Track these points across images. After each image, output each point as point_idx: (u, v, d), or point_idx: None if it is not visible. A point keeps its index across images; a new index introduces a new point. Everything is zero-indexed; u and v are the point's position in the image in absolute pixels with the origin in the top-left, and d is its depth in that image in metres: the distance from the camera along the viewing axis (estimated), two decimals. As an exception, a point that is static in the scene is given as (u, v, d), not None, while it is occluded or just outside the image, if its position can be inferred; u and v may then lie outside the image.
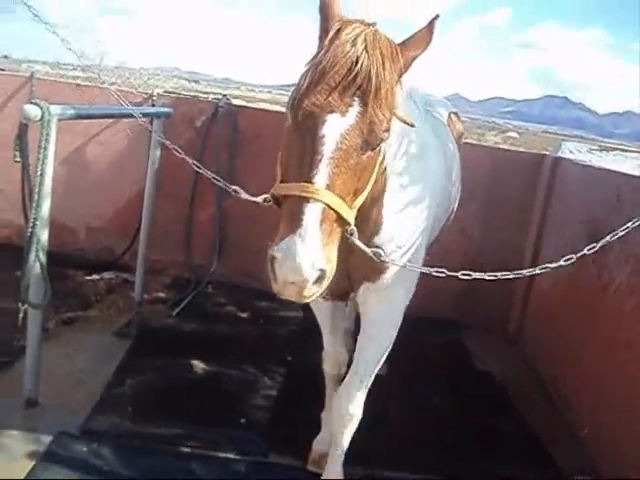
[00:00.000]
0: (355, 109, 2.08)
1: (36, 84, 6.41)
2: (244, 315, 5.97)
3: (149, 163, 5.32)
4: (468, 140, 6.19)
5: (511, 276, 2.77)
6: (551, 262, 5.49)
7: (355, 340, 3.42)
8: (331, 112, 2.07)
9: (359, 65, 2.06)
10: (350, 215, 2.16)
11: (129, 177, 6.39)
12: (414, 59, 2.27)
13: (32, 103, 3.29)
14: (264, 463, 3.72)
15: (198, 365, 4.76)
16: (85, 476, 3.31)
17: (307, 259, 1.95)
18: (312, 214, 2.00)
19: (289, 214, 2.04)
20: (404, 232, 2.96)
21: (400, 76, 2.22)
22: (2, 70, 8.66)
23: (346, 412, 3.25)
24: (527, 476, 4.01)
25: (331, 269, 2.06)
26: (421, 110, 3.42)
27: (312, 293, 2.05)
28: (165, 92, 7.08)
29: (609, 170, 5.30)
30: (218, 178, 3.09)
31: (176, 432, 3.84)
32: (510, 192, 6.32)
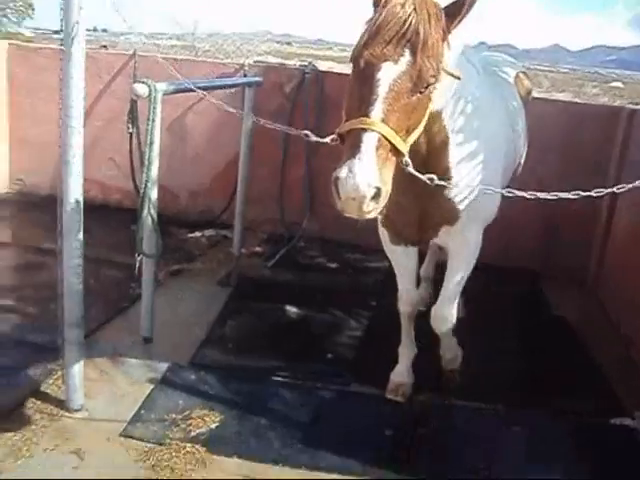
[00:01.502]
0: (406, 58, 2.45)
1: (138, 61, 7.00)
2: (333, 266, 6.45)
3: (242, 129, 5.78)
4: (552, 94, 6.32)
5: (593, 194, 2.90)
6: (627, 215, 5.68)
7: (435, 287, 3.94)
8: (385, 61, 2.45)
9: (408, 22, 2.44)
10: (403, 146, 2.52)
11: (225, 142, 6.89)
12: (457, 24, 2.62)
13: (141, 82, 3.82)
14: (347, 391, 4.20)
15: (291, 309, 5.30)
16: (195, 398, 3.90)
17: (365, 177, 2.32)
18: (369, 141, 2.37)
19: (350, 144, 2.42)
20: (469, 178, 3.34)
21: (446, 35, 2.59)
22: (105, 47, 9.36)
23: (442, 326, 3.95)
24: (591, 409, 4.27)
25: (386, 190, 2.43)
26: (479, 70, 3.74)
27: (370, 209, 2.42)
28: (255, 62, 7.55)
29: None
30: (289, 127, 3.51)
31: (271, 365, 4.39)
32: (587, 145, 6.39)
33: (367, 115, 2.41)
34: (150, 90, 3.81)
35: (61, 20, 3.11)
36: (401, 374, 4.19)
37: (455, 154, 3.23)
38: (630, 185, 2.93)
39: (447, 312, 3.89)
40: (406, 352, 4.21)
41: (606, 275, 6.33)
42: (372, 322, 5.23)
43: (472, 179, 3.36)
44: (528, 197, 2.95)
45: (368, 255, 6.48)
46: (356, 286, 5.98)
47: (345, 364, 4.55)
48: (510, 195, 3.00)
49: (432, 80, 2.54)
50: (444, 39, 2.58)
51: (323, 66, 7.38)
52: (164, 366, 4.21)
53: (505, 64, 4.69)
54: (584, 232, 6.60)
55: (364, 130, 2.39)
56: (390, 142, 2.44)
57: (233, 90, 6.28)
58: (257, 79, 5.95)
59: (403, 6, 2.48)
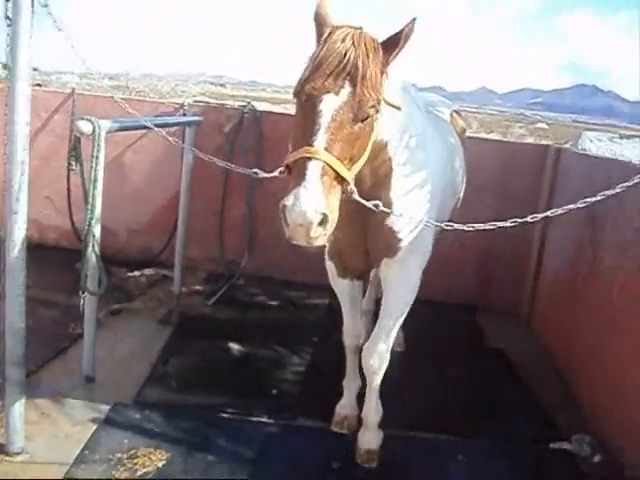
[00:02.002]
0: (346, 90, 2.59)
1: (77, 99, 6.96)
2: (274, 303, 6.49)
3: (183, 167, 5.80)
4: (481, 135, 6.58)
5: (521, 221, 3.06)
6: (557, 251, 5.92)
7: (375, 319, 3.94)
8: (327, 93, 2.58)
9: (347, 56, 2.58)
10: (347, 174, 2.63)
11: (164, 181, 6.90)
12: (394, 56, 2.77)
13: (84, 119, 3.83)
14: (293, 425, 4.22)
15: (233, 347, 5.30)
16: (140, 437, 3.85)
17: (310, 204, 2.41)
18: (314, 169, 2.48)
19: (296, 173, 2.53)
20: (411, 211, 3.43)
21: (384, 67, 2.73)
22: (39, 85, 9.27)
23: (373, 365, 3.80)
24: (529, 434, 4.42)
25: (333, 216, 2.53)
26: (421, 109, 3.90)
27: (318, 235, 2.50)
28: (195, 101, 7.59)
29: (604, 158, 5.70)
30: (236, 166, 3.65)
31: (215, 401, 4.38)
32: (518, 183, 6.69)
33: (311, 144, 2.52)
34: (94, 127, 3.82)
35: (7, 57, 3.14)
36: (346, 407, 4.24)
37: (398, 186, 3.34)
38: (560, 210, 3.16)
39: (380, 348, 3.77)
40: (351, 385, 4.26)
41: (538, 308, 6.58)
42: (315, 357, 5.27)
43: (414, 211, 3.47)
44: (467, 229, 3.11)
45: (308, 292, 6.56)
46: (298, 322, 6.02)
47: (290, 399, 4.57)
48: (449, 228, 3.15)
49: (372, 110, 2.67)
50: (382, 71, 2.73)
51: (258, 107, 7.48)
52: (107, 406, 4.15)
53: (440, 104, 4.89)
54: (517, 267, 6.87)
55: (309, 159, 2.50)
56: (334, 170, 2.54)
57: (172, 129, 6.31)
58: (197, 118, 5.99)
59: (343, 41, 2.62)
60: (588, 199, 3.07)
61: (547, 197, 6.49)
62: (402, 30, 2.74)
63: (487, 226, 3.09)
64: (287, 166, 2.66)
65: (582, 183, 5.57)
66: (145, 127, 4.24)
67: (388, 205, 3.30)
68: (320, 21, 2.82)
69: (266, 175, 3.06)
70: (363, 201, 2.83)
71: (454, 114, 5.03)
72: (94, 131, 3.83)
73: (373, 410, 4.00)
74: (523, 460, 4.11)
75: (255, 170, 3.18)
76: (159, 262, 6.92)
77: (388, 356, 3.83)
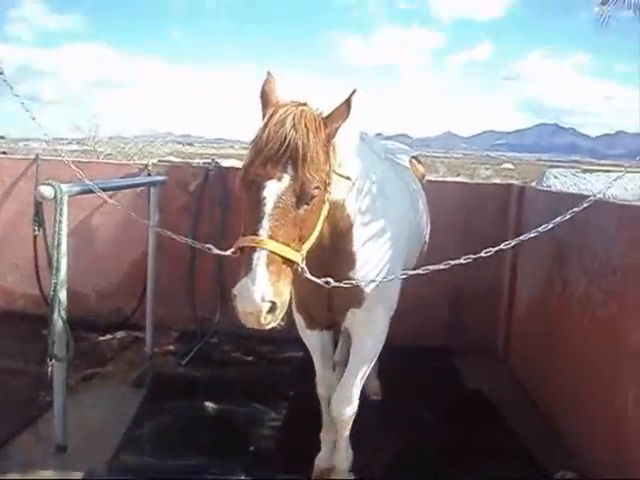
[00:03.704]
0: (287, 175, 2.64)
1: (41, 165, 6.95)
2: (248, 359, 6.41)
3: (149, 227, 5.79)
4: (447, 178, 6.67)
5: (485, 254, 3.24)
6: (527, 285, 6.01)
7: None
8: (269, 179, 2.64)
9: (287, 140, 2.63)
10: (296, 256, 2.69)
11: (131, 242, 6.85)
12: (337, 128, 2.83)
13: (46, 184, 3.83)
14: (273, 481, 4.15)
15: (209, 405, 5.20)
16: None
17: (258, 294, 2.50)
18: (259, 259, 2.56)
19: (244, 261, 2.61)
20: (375, 259, 3.47)
21: (328, 142, 2.79)
22: (4, 153, 9.27)
23: (343, 412, 3.81)
24: (512, 475, 4.41)
25: (282, 301, 2.61)
26: (381, 157, 3.96)
27: (268, 321, 2.60)
28: (159, 161, 7.63)
29: (567, 193, 5.81)
30: (193, 241, 3.60)
31: (192, 463, 4.29)
32: (484, 223, 6.73)
33: (256, 233, 2.59)
34: (55, 192, 3.82)
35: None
36: (325, 459, 4.17)
37: (360, 236, 3.36)
38: (513, 242, 3.37)
39: (349, 394, 3.79)
40: (328, 436, 4.20)
41: (513, 346, 6.59)
42: (292, 411, 5.21)
43: (377, 260, 3.49)
44: (422, 272, 3.27)
45: (282, 346, 6.51)
46: (273, 377, 5.94)
47: (268, 455, 4.50)
48: (408, 275, 3.23)
49: (316, 192, 2.72)
50: (326, 149, 2.78)
51: (226, 163, 7.52)
52: (80, 474, 4.03)
53: (399, 151, 4.97)
54: (490, 307, 6.89)
55: (254, 249, 2.57)
56: (281, 256, 2.61)
57: (139, 190, 6.33)
58: (161, 178, 6.03)
59: (283, 124, 2.68)
60: (536, 230, 3.34)
61: (513, 234, 6.54)
62: (345, 102, 2.82)
63: (442, 266, 3.22)
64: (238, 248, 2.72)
65: (547, 219, 5.61)
66: (109, 189, 4.24)
67: (351, 255, 3.32)
68: (265, 99, 2.90)
69: (219, 252, 3.12)
70: (314, 278, 2.92)
71: (413, 160, 5.11)
72: (56, 195, 3.83)
73: (343, 458, 4.03)
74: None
75: (208, 246, 3.22)
76: (131, 324, 6.83)
77: (356, 403, 3.83)
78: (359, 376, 3.79)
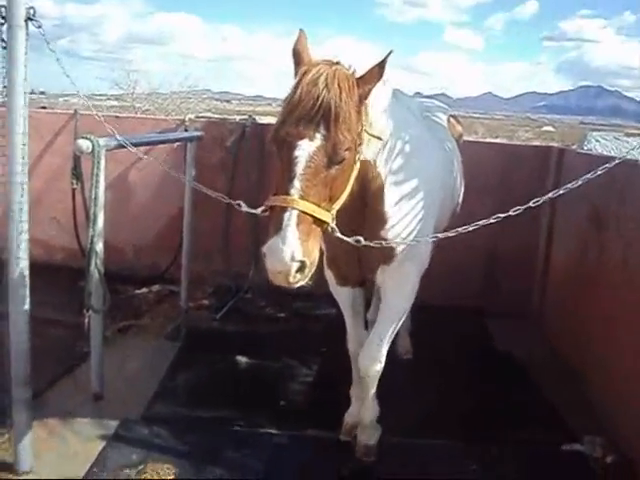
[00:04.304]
0: (320, 134, 2.62)
1: (80, 120, 7.03)
2: (281, 315, 6.48)
3: (186, 183, 5.82)
4: (479, 139, 6.58)
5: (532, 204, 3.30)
6: (563, 249, 5.94)
7: None
8: (301, 138, 2.62)
9: (320, 100, 2.60)
10: (326, 216, 2.70)
11: (168, 197, 6.91)
12: (370, 89, 2.79)
13: (83, 138, 3.87)
14: (302, 436, 4.22)
15: (241, 359, 5.30)
16: (148, 452, 3.86)
17: (288, 253, 2.50)
18: (290, 219, 2.55)
19: (274, 221, 2.60)
20: (406, 219, 3.46)
21: (361, 102, 2.76)
22: (44, 108, 9.36)
23: (369, 369, 3.82)
24: (541, 437, 4.40)
25: (311, 260, 2.61)
26: (415, 115, 3.92)
27: (297, 280, 2.61)
28: (197, 117, 7.64)
29: (607, 156, 5.67)
30: (223, 196, 3.61)
31: (224, 415, 4.39)
32: (521, 185, 6.60)
33: (287, 193, 2.58)
34: (93, 145, 3.86)
35: (4, 79, 3.19)
36: (354, 415, 4.21)
37: (391, 195, 3.34)
38: (544, 198, 3.42)
39: (376, 352, 3.80)
40: (358, 393, 4.23)
41: (547, 309, 6.54)
42: (323, 367, 5.28)
43: (408, 219, 3.48)
44: (462, 230, 3.21)
45: (315, 302, 6.53)
46: (306, 333, 6.02)
47: (299, 409, 4.57)
48: (438, 238, 3.24)
49: (347, 153, 2.70)
50: (358, 109, 2.75)
51: (263, 121, 7.50)
52: (115, 422, 4.16)
53: (437, 109, 4.91)
54: (524, 269, 6.83)
55: (285, 208, 2.57)
56: (312, 215, 2.61)
57: (175, 145, 6.36)
58: (198, 133, 6.03)
59: (315, 84, 2.64)
60: (565, 187, 3.45)
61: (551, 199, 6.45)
62: (379, 63, 2.79)
63: (470, 227, 3.25)
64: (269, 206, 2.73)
65: (585, 182, 5.55)
66: (145, 143, 4.27)
67: (381, 214, 3.32)
68: (297, 58, 2.87)
69: (248, 210, 3.13)
70: (345, 237, 2.92)
71: (451, 119, 5.04)
72: (93, 149, 3.87)
73: (369, 410, 4.04)
74: (534, 463, 4.09)
75: (239, 202, 3.22)
76: (166, 278, 6.91)
77: (383, 361, 3.84)
78: (387, 334, 3.80)
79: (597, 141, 7.28)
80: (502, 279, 6.90)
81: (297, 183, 2.59)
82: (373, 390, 3.98)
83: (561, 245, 6.26)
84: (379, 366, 3.83)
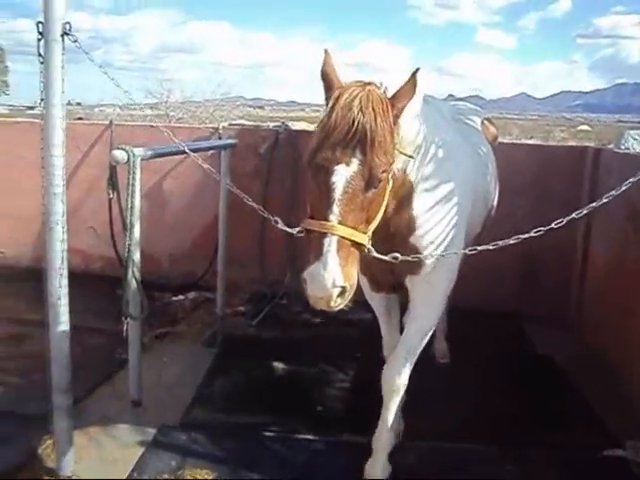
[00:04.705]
0: (356, 159, 2.61)
1: (115, 130, 7.14)
2: (317, 320, 6.47)
3: (220, 191, 5.88)
4: (514, 140, 6.53)
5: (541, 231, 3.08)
6: (601, 250, 5.85)
7: None
8: (338, 164, 2.61)
9: (356, 124, 2.59)
10: (364, 239, 2.70)
11: (203, 205, 6.99)
12: (403, 108, 2.78)
13: (119, 148, 3.94)
14: (339, 442, 4.23)
15: (278, 365, 5.33)
16: (187, 458, 3.90)
17: (328, 281, 2.52)
18: (330, 245, 2.56)
19: (314, 246, 2.61)
20: (436, 227, 3.42)
21: (395, 122, 2.74)
22: (81, 119, 9.52)
23: (392, 383, 3.68)
24: (582, 442, 4.35)
25: (351, 284, 2.63)
26: (447, 119, 3.90)
27: (338, 304, 2.64)
28: (230, 124, 7.70)
29: (644, 155, 5.58)
30: (261, 209, 3.56)
31: (261, 421, 4.41)
32: (557, 187, 6.58)
33: (326, 218, 2.59)
34: (129, 156, 3.92)
35: (41, 92, 3.27)
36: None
37: (422, 201, 3.31)
38: (585, 210, 3.21)
39: (398, 365, 3.64)
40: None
41: (586, 312, 6.43)
42: (359, 372, 5.27)
43: (439, 226, 3.43)
44: (502, 244, 3.14)
45: (351, 308, 6.51)
46: (341, 339, 6.02)
47: (335, 415, 4.59)
48: (477, 251, 3.21)
49: (383, 175, 2.70)
50: (392, 130, 2.73)
51: (297, 127, 7.53)
52: (154, 429, 4.21)
53: (471, 112, 4.87)
54: (562, 271, 6.75)
55: (325, 234, 2.58)
56: (350, 240, 2.62)
57: (209, 153, 6.42)
58: (231, 141, 6.09)
59: (350, 108, 2.63)
60: (608, 195, 3.15)
61: (588, 198, 6.37)
62: (410, 80, 2.77)
63: (511, 241, 3.15)
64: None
65: (624, 182, 5.48)
66: (180, 153, 4.33)
67: (411, 222, 3.29)
68: (327, 81, 2.85)
69: (285, 228, 3.11)
70: (380, 256, 2.90)
71: (485, 122, 5.00)
72: (129, 159, 3.93)
73: (385, 434, 3.79)
74: (575, 468, 4.03)
75: (276, 218, 3.18)
76: (201, 285, 6.98)
77: (407, 375, 3.67)
78: (413, 347, 3.67)
79: (634, 139, 7.15)
80: (539, 281, 6.83)
81: (335, 209, 2.59)
82: (392, 415, 3.74)
83: (599, 246, 6.17)
84: (404, 380, 3.66)
